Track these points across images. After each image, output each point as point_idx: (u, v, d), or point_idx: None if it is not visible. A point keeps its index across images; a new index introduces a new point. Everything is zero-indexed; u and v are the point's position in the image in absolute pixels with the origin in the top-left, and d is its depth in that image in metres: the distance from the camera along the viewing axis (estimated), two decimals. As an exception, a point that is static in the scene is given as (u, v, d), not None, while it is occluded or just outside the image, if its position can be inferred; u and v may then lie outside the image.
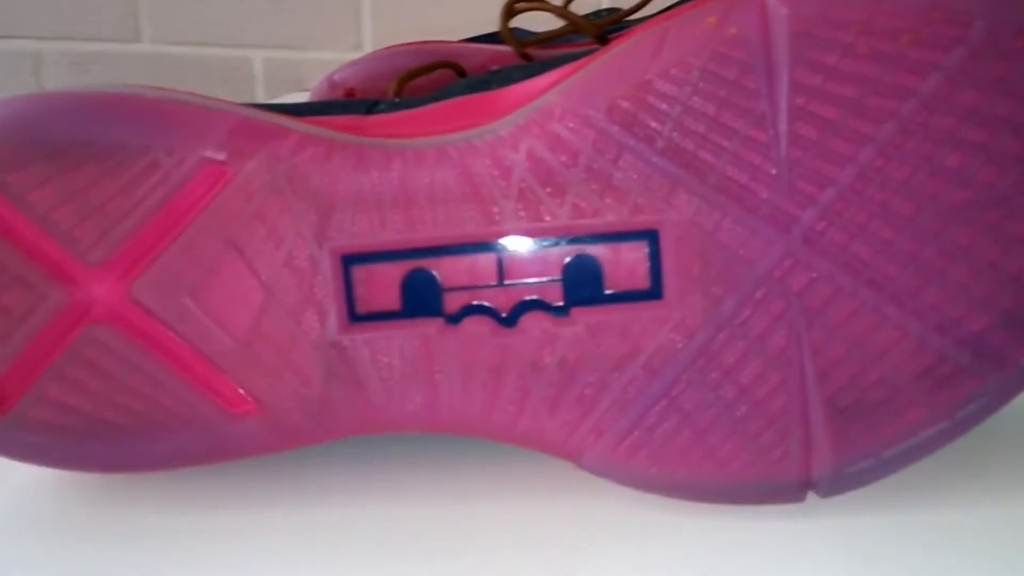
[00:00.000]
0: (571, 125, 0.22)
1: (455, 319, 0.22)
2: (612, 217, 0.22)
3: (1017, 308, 0.22)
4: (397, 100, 0.26)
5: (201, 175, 0.21)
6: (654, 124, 0.21)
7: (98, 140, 0.21)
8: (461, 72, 0.36)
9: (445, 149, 0.22)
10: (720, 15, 0.21)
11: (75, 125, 0.21)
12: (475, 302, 0.22)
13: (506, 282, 0.22)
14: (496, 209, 0.22)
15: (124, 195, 0.21)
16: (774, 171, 0.21)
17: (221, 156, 0.21)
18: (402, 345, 0.22)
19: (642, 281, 0.22)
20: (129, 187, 0.21)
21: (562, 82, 0.22)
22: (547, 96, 0.22)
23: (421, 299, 0.22)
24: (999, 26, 0.21)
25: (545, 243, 0.22)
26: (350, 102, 0.26)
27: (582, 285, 0.22)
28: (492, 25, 0.42)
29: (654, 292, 0.22)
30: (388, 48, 0.44)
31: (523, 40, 0.40)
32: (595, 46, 0.36)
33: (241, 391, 0.22)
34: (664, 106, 0.21)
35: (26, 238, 0.22)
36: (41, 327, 0.22)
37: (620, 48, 0.22)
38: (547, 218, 0.22)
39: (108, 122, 0.21)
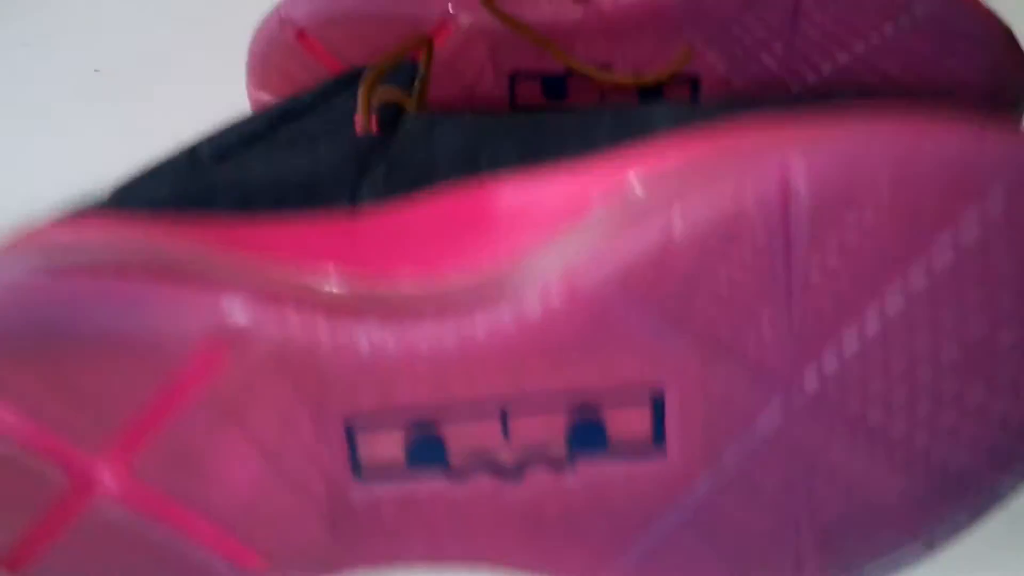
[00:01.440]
0: (578, 294, 0.21)
1: (460, 476, 0.22)
2: (618, 376, 0.21)
3: (999, 443, 0.23)
4: (382, 189, 0.24)
5: (197, 358, 0.21)
6: (667, 288, 0.21)
7: (85, 331, 0.20)
8: (430, 48, 0.34)
9: (445, 311, 0.21)
10: (737, 183, 0.20)
11: (59, 316, 0.20)
12: (480, 459, 0.22)
13: (511, 439, 0.22)
14: (500, 371, 0.21)
15: (118, 383, 0.20)
16: (782, 337, 0.21)
17: (218, 338, 0.20)
18: (406, 501, 0.22)
19: (646, 437, 0.22)
20: (122, 374, 0.20)
21: (563, 233, 0.21)
22: (553, 258, 0.21)
23: (426, 458, 0.22)
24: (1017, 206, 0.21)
25: (550, 401, 0.22)
26: (329, 188, 0.24)
27: (587, 441, 0.22)
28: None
29: (657, 447, 0.22)
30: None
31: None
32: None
33: (249, 549, 0.22)
34: (678, 273, 0.21)
35: (21, 428, 0.21)
36: (46, 507, 0.22)
37: (633, 205, 0.21)
38: (553, 377, 0.21)
39: (95, 312, 0.20)
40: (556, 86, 0.37)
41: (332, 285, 0.21)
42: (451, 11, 0.36)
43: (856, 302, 0.21)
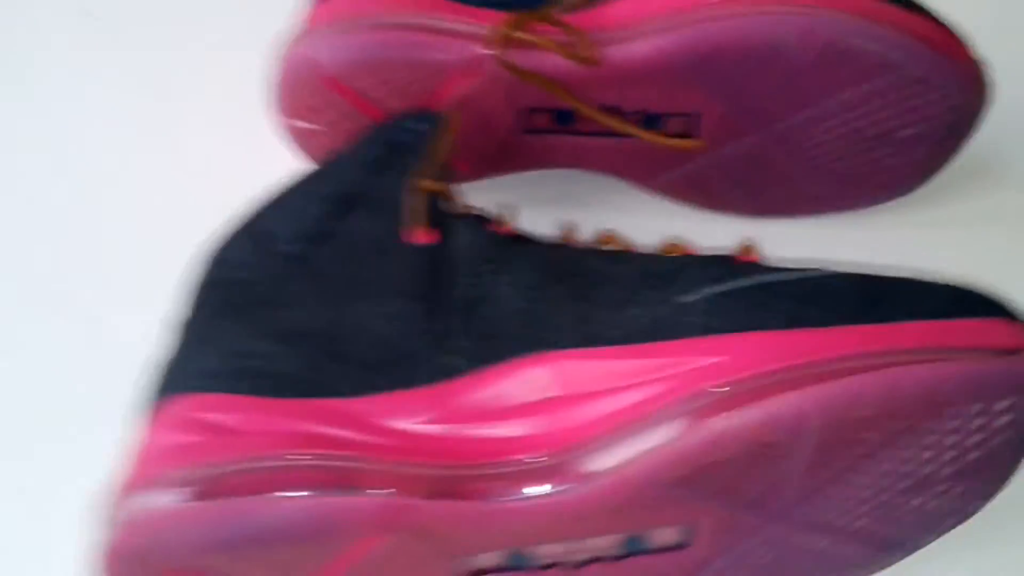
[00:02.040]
0: (631, 482, 0.27)
1: (539, 571, 0.30)
2: (658, 521, 0.29)
3: (928, 527, 0.32)
4: (456, 363, 0.29)
5: (350, 550, 0.27)
6: (707, 474, 0.27)
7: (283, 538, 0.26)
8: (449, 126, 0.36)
9: (521, 483, 0.27)
10: (761, 424, 0.26)
11: (272, 530, 0.26)
12: (556, 562, 0.29)
13: (578, 552, 0.29)
14: (569, 525, 0.28)
15: (300, 559, 0.26)
16: (789, 502, 0.29)
17: (368, 535, 0.26)
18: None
19: (678, 542, 0.30)
20: (302, 556, 0.26)
21: (623, 428, 0.27)
22: (616, 449, 0.27)
23: (515, 567, 0.29)
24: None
25: (613, 538, 0.29)
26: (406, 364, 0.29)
27: (633, 550, 0.30)
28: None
29: (687, 545, 0.30)
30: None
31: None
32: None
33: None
34: (711, 470, 0.27)
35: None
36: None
37: (694, 412, 0.27)
38: (610, 526, 0.28)
39: (292, 528, 0.26)
40: (565, 116, 0.40)
41: (435, 469, 0.27)
42: (475, 55, 0.38)
43: (848, 493, 0.29)
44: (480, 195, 0.39)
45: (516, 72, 0.38)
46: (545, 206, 0.44)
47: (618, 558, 0.30)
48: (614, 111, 0.40)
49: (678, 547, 0.30)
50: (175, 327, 0.33)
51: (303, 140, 0.41)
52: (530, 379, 0.29)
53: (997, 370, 0.28)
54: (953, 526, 0.32)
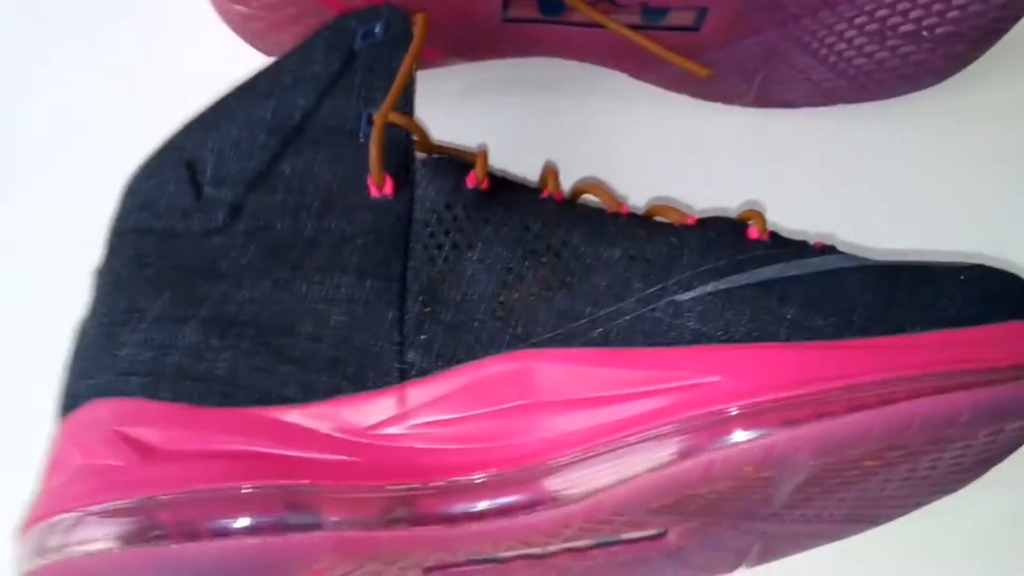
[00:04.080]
0: (605, 505, 0.25)
1: (504, 561, 0.28)
2: (631, 529, 0.27)
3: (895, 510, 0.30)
4: (425, 361, 0.26)
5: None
6: (690, 501, 0.25)
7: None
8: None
9: (495, 494, 0.25)
10: (756, 465, 0.23)
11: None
12: (520, 553, 0.28)
13: (546, 548, 0.27)
14: (536, 536, 0.26)
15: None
16: (765, 516, 0.27)
17: (321, 564, 0.25)
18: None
19: (651, 537, 0.28)
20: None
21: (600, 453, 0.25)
22: (591, 471, 0.25)
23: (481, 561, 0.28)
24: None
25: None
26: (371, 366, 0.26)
27: (603, 544, 0.28)
28: None
29: (659, 537, 0.28)
30: None
31: None
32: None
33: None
34: (695, 498, 0.25)
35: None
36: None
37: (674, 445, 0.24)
38: (577, 535, 0.26)
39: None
40: (552, 5, 0.34)
41: (391, 491, 0.25)
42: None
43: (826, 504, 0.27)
44: (453, 120, 0.35)
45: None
46: (525, 94, 0.39)
47: (589, 547, 0.29)
48: (608, 2, 0.34)
49: (652, 537, 0.29)
50: (91, 287, 0.29)
51: (242, 27, 0.35)
52: (500, 382, 0.26)
53: (1012, 395, 0.25)
54: (937, 499, 0.31)
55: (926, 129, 0.40)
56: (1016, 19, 0.36)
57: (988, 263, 0.29)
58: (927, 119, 0.40)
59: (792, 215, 0.36)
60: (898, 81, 0.38)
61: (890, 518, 0.30)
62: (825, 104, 0.39)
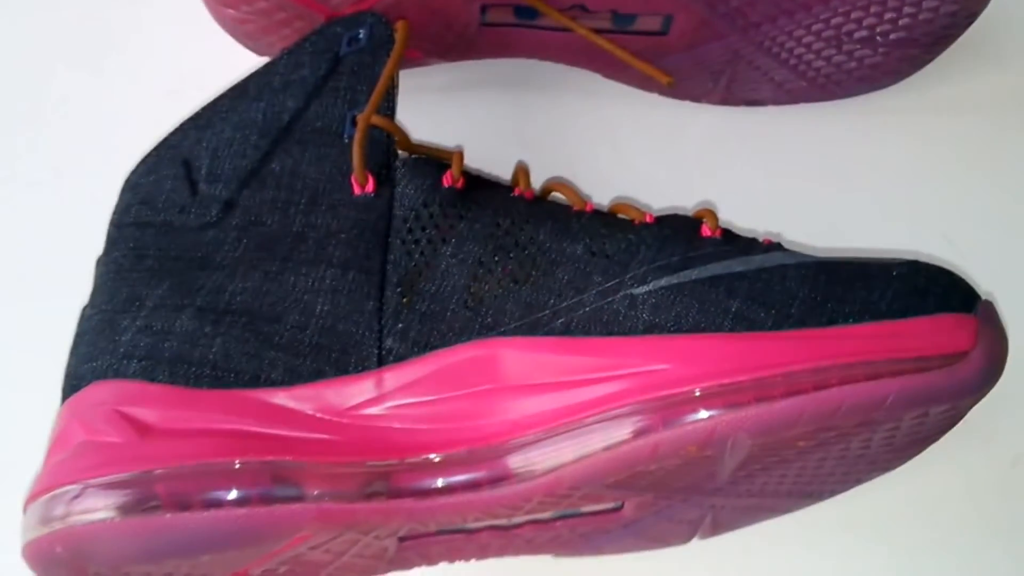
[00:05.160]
0: (564, 480, 0.27)
1: (472, 532, 0.30)
2: (588, 502, 0.29)
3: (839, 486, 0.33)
4: (403, 347, 0.28)
5: (282, 547, 0.27)
6: (641, 476, 0.28)
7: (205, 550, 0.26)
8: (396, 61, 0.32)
9: (464, 469, 0.27)
10: (697, 440, 0.26)
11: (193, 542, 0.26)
12: (487, 525, 0.30)
13: (511, 521, 0.30)
14: (500, 508, 0.28)
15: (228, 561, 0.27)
16: (713, 489, 0.29)
17: (301, 534, 0.27)
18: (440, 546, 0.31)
19: (608, 509, 0.30)
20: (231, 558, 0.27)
21: (564, 430, 0.27)
22: (553, 450, 0.27)
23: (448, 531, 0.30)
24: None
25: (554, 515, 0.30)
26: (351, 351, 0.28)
27: (565, 516, 0.30)
28: None
29: (616, 509, 0.30)
30: None
31: None
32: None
33: None
34: (646, 473, 0.27)
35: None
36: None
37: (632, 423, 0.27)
38: (540, 508, 0.29)
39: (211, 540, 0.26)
40: (527, 11, 0.36)
41: (369, 466, 0.27)
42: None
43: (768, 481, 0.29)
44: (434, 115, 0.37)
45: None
46: (502, 92, 0.41)
47: (552, 519, 0.31)
48: (580, 9, 0.36)
49: (609, 511, 0.31)
50: (94, 276, 0.32)
51: (235, 29, 0.37)
52: (469, 367, 0.28)
53: (938, 382, 0.27)
54: (878, 475, 0.33)
55: (888, 127, 0.42)
56: (967, 24, 0.38)
57: (942, 257, 0.31)
58: (890, 115, 0.42)
59: (753, 211, 0.38)
60: (857, 82, 0.40)
61: (833, 493, 0.33)
62: (790, 103, 0.41)
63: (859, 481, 0.33)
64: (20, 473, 0.32)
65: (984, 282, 0.36)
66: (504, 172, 0.35)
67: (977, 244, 0.39)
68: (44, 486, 0.28)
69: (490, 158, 0.37)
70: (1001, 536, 0.35)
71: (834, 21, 0.36)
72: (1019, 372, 0.34)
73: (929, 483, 0.35)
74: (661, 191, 0.38)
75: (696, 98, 0.41)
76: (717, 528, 0.33)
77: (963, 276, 0.30)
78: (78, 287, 0.32)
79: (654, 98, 0.41)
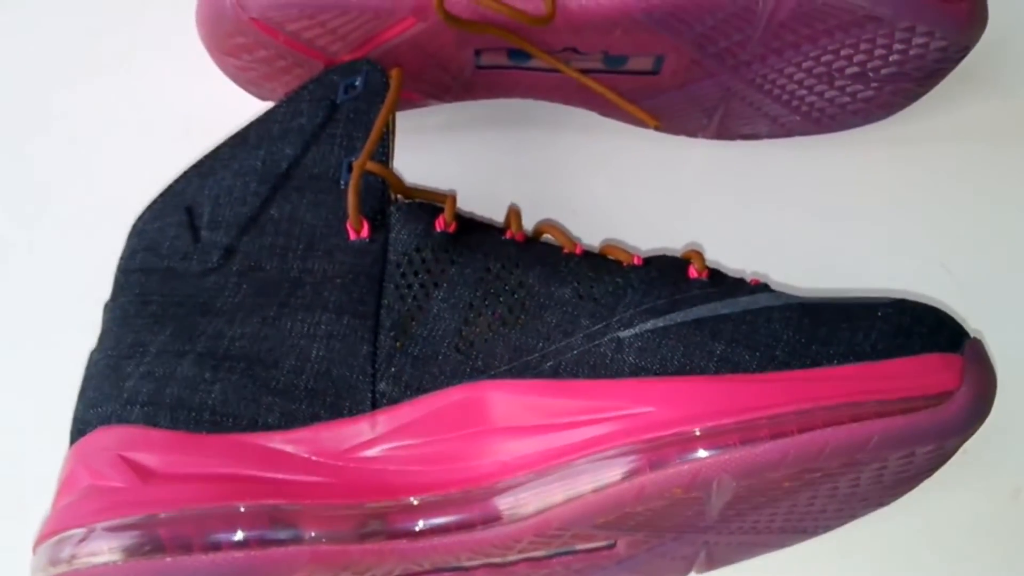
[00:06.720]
0: (552, 521, 0.28)
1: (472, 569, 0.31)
2: (579, 541, 0.30)
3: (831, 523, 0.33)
4: (395, 391, 0.29)
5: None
6: (630, 517, 0.28)
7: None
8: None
9: (458, 510, 0.28)
10: (685, 487, 0.26)
11: None
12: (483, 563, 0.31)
13: (507, 560, 0.30)
14: (493, 548, 0.29)
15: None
16: (704, 527, 0.30)
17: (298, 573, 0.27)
18: None
19: (601, 547, 0.31)
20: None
21: (551, 472, 0.27)
22: (543, 490, 0.28)
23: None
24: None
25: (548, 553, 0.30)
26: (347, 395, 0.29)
27: (559, 554, 0.31)
28: None
29: (609, 548, 0.31)
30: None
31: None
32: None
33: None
34: (634, 515, 0.28)
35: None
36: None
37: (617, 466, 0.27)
38: (534, 547, 0.30)
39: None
40: (520, 54, 0.37)
41: (364, 508, 0.28)
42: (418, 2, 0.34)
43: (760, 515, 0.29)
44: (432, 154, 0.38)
45: (462, 24, 0.35)
46: (498, 130, 0.42)
47: (547, 557, 0.32)
48: (571, 51, 0.37)
49: (603, 548, 0.32)
50: (101, 321, 0.33)
51: (237, 76, 0.38)
52: (461, 410, 0.29)
53: (922, 423, 0.28)
54: (873, 511, 0.34)
55: (885, 157, 0.42)
56: (960, 58, 0.38)
57: (941, 285, 0.31)
58: (888, 145, 0.42)
59: (751, 245, 0.39)
60: (851, 115, 0.41)
61: (828, 528, 0.33)
62: (785, 136, 0.42)
63: (853, 516, 0.33)
64: (33, 515, 0.33)
65: (982, 311, 0.37)
66: (501, 208, 0.35)
67: (975, 273, 0.40)
68: (52, 528, 0.29)
69: (487, 194, 0.38)
70: (1002, 568, 0.35)
71: (824, 58, 0.37)
72: (1019, 403, 0.34)
73: (930, 514, 0.35)
74: (657, 227, 0.38)
75: (691, 133, 0.41)
76: (712, 563, 0.33)
77: (952, 313, 0.31)
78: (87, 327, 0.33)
79: (650, 133, 0.41)
